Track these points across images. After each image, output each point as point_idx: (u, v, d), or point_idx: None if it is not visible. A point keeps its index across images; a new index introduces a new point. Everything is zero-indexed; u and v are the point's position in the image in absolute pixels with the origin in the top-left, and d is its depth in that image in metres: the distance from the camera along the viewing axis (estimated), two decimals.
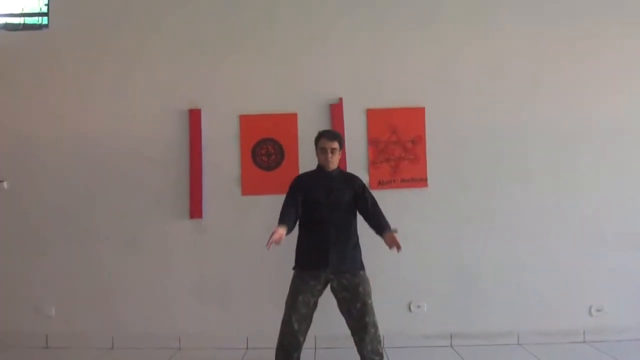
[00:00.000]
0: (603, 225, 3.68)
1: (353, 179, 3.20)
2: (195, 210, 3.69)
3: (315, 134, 3.22)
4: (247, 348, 3.62)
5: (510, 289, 3.64)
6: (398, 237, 2.93)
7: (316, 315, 3.14)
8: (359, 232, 3.15)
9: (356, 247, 3.13)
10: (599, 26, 3.79)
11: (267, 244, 2.79)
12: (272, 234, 2.83)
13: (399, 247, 2.93)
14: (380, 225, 3.07)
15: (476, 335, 3.61)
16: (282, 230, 2.89)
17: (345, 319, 3.11)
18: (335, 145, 3.10)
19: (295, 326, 3.04)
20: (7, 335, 3.68)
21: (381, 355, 3.11)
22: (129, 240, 3.74)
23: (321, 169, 3.17)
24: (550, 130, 3.73)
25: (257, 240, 3.64)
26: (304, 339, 3.11)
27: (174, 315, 3.69)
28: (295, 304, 3.04)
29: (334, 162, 3.13)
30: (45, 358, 3.52)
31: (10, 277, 3.77)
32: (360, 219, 3.16)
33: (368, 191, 3.19)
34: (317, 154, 3.19)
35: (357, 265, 3.09)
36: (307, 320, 3.10)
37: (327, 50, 3.78)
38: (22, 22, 3.92)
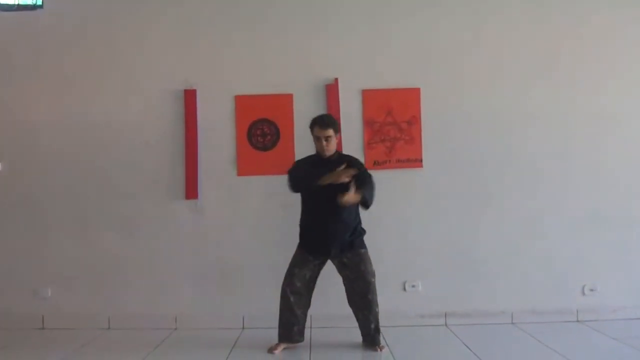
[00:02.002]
0: (597, 205, 3.70)
1: (353, 162, 3.11)
2: (191, 191, 3.69)
3: (310, 114, 3.21)
4: (242, 328, 3.63)
5: (504, 268, 3.66)
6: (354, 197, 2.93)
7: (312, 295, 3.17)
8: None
9: (356, 230, 3.14)
10: (602, 5, 3.77)
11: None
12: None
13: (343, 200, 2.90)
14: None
15: (470, 314, 3.63)
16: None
17: (349, 296, 3.15)
18: (330, 133, 3.05)
19: (292, 299, 3.09)
20: (2, 316, 3.68)
21: (380, 334, 3.15)
22: (125, 221, 3.74)
23: (319, 155, 3.15)
24: (545, 111, 3.74)
25: (252, 220, 3.71)
26: (303, 313, 3.14)
27: (170, 296, 3.69)
28: (292, 278, 3.10)
29: (330, 149, 3.10)
30: (41, 339, 3.51)
31: (6, 258, 3.76)
32: None
33: (365, 170, 3.15)
34: (314, 141, 3.15)
35: (357, 245, 3.12)
36: (303, 293, 3.12)
37: (323, 31, 3.77)
38: (16, 2, 3.89)
